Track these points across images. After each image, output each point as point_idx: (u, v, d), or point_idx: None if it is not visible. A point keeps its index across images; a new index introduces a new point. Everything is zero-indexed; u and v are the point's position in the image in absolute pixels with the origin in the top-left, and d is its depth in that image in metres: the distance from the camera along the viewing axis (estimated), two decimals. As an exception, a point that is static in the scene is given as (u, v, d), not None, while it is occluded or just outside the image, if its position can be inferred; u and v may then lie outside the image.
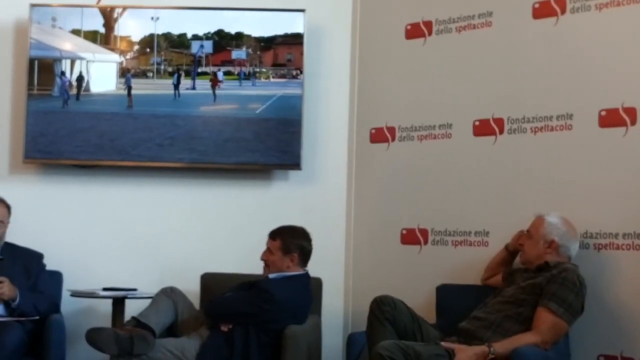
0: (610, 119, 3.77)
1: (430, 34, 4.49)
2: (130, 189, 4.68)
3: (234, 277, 4.19)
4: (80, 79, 4.65)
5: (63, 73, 4.63)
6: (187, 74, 4.71)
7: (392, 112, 4.60)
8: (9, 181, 4.60)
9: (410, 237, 4.46)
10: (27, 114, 4.56)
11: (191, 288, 4.28)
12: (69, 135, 4.61)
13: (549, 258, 3.59)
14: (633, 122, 3.71)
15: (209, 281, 4.34)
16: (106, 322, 4.17)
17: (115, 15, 4.68)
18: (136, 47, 4.72)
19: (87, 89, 4.67)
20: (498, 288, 3.77)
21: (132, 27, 4.71)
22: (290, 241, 3.97)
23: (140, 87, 4.69)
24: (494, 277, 3.93)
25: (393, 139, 4.59)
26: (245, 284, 4.00)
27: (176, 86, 4.70)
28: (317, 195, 4.74)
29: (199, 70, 4.72)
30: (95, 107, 4.67)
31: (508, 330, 3.44)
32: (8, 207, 4.16)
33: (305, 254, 4.01)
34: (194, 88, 4.72)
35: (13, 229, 4.19)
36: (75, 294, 4.25)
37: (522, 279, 3.62)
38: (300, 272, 4.00)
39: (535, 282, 3.52)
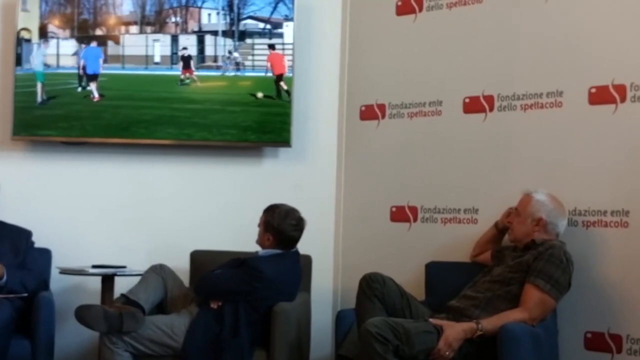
0: (600, 96, 3.77)
1: (420, 10, 4.47)
2: (120, 166, 4.66)
3: (223, 254, 4.19)
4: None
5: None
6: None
7: (382, 90, 4.59)
8: (-4, 158, 4.58)
9: (400, 215, 4.46)
10: (15, 90, 4.52)
11: (181, 265, 4.28)
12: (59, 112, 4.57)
13: (536, 236, 3.60)
14: (623, 100, 3.71)
15: (199, 258, 4.35)
16: (95, 299, 4.17)
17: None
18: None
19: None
20: (487, 265, 3.79)
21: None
22: (270, 220, 3.95)
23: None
24: (483, 254, 3.94)
25: (383, 116, 4.58)
26: (234, 261, 4.00)
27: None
28: (307, 173, 4.73)
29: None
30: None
31: (497, 309, 3.45)
32: (-4, 185, 4.15)
33: (282, 238, 3.95)
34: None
35: (1, 206, 4.17)
36: (64, 272, 4.24)
37: (511, 258, 3.63)
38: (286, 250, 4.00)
39: (522, 260, 3.53)
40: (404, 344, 3.23)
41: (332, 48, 4.80)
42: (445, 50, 4.35)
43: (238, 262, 3.98)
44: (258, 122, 4.60)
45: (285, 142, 4.60)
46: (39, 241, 4.25)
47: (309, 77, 4.73)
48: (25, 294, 3.93)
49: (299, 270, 4.05)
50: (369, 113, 4.64)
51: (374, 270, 3.61)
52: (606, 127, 3.75)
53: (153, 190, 4.66)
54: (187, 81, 4.40)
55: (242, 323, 3.79)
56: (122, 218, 4.61)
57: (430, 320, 3.44)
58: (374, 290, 3.53)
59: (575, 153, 3.83)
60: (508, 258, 3.65)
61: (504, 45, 4.12)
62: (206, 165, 4.68)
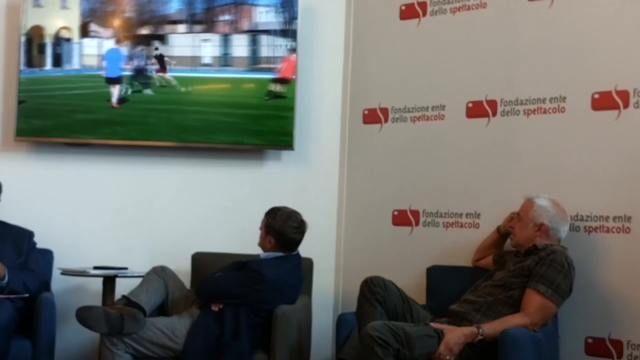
0: (603, 101, 3.77)
1: (424, 14, 4.47)
2: (123, 167, 4.66)
3: (225, 256, 4.19)
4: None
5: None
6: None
7: (385, 93, 4.59)
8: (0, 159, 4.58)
9: (402, 218, 4.46)
10: (18, 91, 4.53)
11: (182, 267, 4.28)
12: (62, 114, 4.58)
13: (538, 241, 3.59)
14: (626, 105, 3.71)
15: (200, 260, 4.35)
16: (97, 300, 4.18)
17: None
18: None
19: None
20: (489, 270, 3.78)
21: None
22: (272, 223, 3.95)
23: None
24: (484, 259, 3.94)
25: (386, 120, 4.58)
26: (236, 264, 4.00)
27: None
28: (310, 176, 4.73)
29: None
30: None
31: (498, 313, 3.46)
32: (-1, 185, 4.16)
33: (284, 240, 3.94)
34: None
35: (4, 206, 4.17)
36: (66, 272, 4.25)
37: (513, 263, 3.62)
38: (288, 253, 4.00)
39: (524, 265, 3.53)
40: (405, 347, 3.22)
41: (336, 51, 4.80)
42: (449, 54, 4.35)
43: (239, 264, 3.98)
44: (261, 124, 4.60)
45: (288, 145, 4.61)
46: (40, 242, 4.26)
47: (312, 80, 4.73)
48: (27, 295, 3.93)
49: (300, 273, 4.05)
50: (371, 117, 4.64)
51: (376, 274, 3.61)
52: (609, 133, 3.75)
53: (155, 192, 4.67)
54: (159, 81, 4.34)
55: (242, 326, 3.79)
56: (124, 219, 4.62)
57: (431, 324, 3.43)
58: (375, 293, 3.53)
59: (577, 158, 3.83)
60: (510, 263, 3.65)
61: (508, 50, 4.12)
62: (209, 167, 4.69)
